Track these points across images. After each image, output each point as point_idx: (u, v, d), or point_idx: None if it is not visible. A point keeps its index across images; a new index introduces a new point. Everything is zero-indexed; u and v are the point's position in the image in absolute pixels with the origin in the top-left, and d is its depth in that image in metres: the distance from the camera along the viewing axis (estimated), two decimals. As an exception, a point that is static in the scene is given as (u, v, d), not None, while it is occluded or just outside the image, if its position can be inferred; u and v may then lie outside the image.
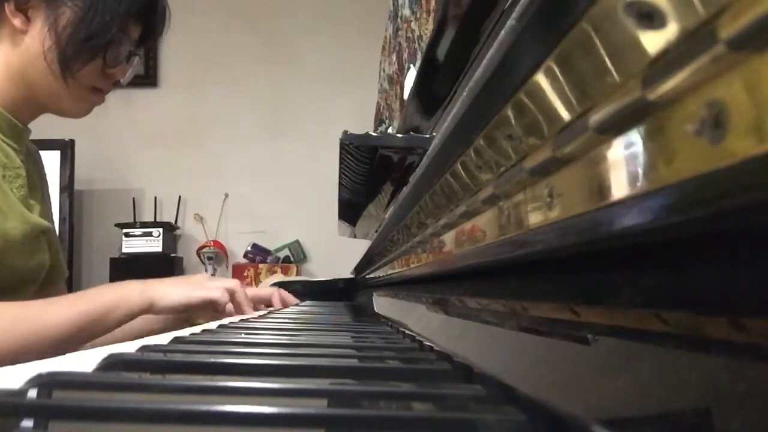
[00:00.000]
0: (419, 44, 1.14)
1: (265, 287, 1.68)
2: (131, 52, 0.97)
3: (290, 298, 1.21)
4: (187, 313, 0.96)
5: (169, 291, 0.90)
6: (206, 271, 2.99)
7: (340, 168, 0.97)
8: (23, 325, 0.76)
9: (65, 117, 0.97)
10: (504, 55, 0.27)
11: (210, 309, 0.94)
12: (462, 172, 0.39)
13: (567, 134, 0.22)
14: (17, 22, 0.88)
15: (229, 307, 0.94)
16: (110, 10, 0.89)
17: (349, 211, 1.36)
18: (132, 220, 3.02)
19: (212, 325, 0.68)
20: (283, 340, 0.52)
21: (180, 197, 3.12)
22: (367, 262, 1.40)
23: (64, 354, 0.39)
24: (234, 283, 0.97)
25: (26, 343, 0.75)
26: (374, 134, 0.85)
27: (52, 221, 1.02)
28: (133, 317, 0.87)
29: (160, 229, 2.94)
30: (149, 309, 0.88)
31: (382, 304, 1.08)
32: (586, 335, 0.24)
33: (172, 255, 3.00)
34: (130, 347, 0.41)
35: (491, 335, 0.38)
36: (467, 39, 0.58)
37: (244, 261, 3.08)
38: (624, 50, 0.18)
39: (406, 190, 0.66)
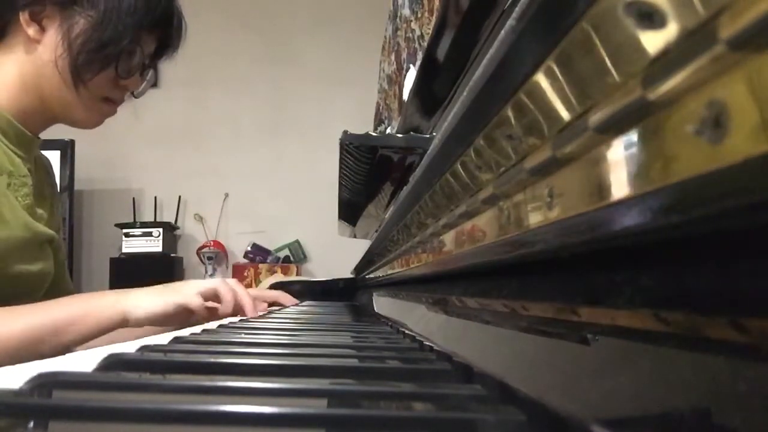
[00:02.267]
0: (420, 44, 1.14)
1: (265, 287, 1.69)
2: (145, 65, 0.97)
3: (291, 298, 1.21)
4: (166, 323, 0.88)
5: (144, 300, 0.84)
6: (206, 271, 2.99)
7: (340, 168, 0.97)
8: None
9: (76, 127, 0.97)
10: (504, 55, 0.27)
11: (186, 316, 0.87)
12: (462, 172, 0.39)
13: (567, 134, 0.22)
14: (31, 31, 0.88)
15: (205, 313, 0.87)
16: (123, 21, 0.89)
17: (349, 211, 1.36)
18: (132, 220, 3.03)
19: (212, 325, 0.68)
20: (283, 340, 0.52)
21: (180, 197, 3.12)
22: (367, 262, 1.40)
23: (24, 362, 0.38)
24: (216, 284, 0.91)
25: None
26: (374, 134, 0.85)
27: (60, 233, 1.01)
28: (105, 331, 0.82)
29: (160, 229, 2.94)
30: (124, 322, 0.83)
31: (382, 304, 1.08)
32: (586, 335, 0.24)
33: (172, 255, 3.00)
34: (130, 347, 0.40)
35: (491, 335, 0.38)
36: (467, 39, 0.58)
37: (244, 261, 3.08)
38: (624, 50, 0.18)
39: (406, 190, 0.66)
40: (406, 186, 0.68)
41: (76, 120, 0.95)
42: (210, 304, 0.90)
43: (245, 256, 3.09)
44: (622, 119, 0.18)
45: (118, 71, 0.92)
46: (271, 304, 1.12)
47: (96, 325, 0.81)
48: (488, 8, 0.51)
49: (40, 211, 0.94)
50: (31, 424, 0.22)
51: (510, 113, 0.28)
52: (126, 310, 0.83)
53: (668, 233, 0.19)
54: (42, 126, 0.97)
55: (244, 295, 0.92)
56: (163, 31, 0.96)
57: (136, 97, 1.00)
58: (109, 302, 0.83)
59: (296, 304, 1.25)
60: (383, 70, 1.68)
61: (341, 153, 0.88)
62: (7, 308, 0.80)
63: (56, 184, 1.10)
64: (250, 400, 0.24)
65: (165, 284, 0.92)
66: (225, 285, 0.92)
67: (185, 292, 0.87)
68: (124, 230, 2.92)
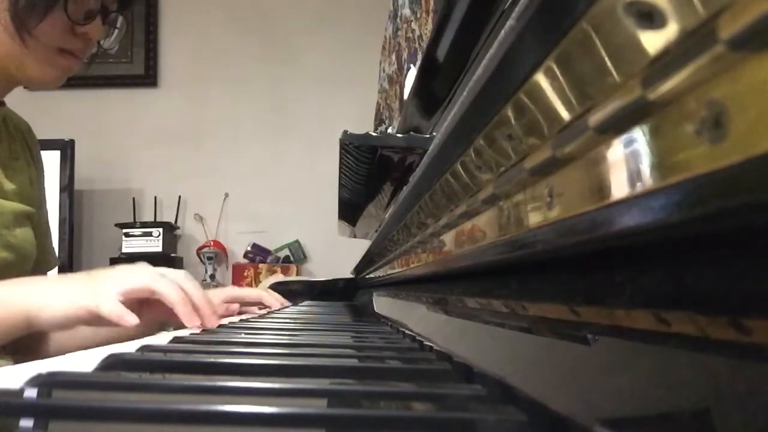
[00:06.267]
0: (419, 44, 1.14)
1: (265, 287, 1.66)
2: (107, 10, 0.86)
3: (279, 298, 1.13)
4: (70, 328, 0.67)
5: (53, 299, 0.63)
6: (206, 271, 2.99)
7: (340, 168, 0.97)
8: None
9: (35, 85, 0.86)
10: (504, 55, 0.27)
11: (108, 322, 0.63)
12: (462, 172, 0.39)
13: (567, 134, 0.22)
14: None
15: (125, 322, 0.61)
16: None
17: (349, 211, 1.36)
18: (132, 220, 3.02)
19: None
20: (283, 340, 0.52)
21: (180, 197, 3.12)
22: (367, 262, 1.40)
23: None
24: (148, 281, 0.65)
25: None
26: (374, 134, 0.85)
27: (44, 207, 0.94)
28: (10, 338, 0.65)
29: (160, 229, 2.94)
30: (28, 326, 0.64)
31: (382, 304, 1.08)
32: (586, 335, 0.24)
33: (172, 255, 3.00)
34: (130, 347, 0.41)
35: (491, 335, 0.38)
36: (467, 39, 0.58)
37: (244, 261, 3.08)
38: (624, 50, 0.18)
39: (406, 190, 0.66)
40: (406, 186, 0.68)
41: (31, 76, 0.83)
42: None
43: (245, 256, 3.08)
44: (622, 119, 0.18)
45: (69, 15, 0.80)
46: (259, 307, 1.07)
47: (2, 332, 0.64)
48: (488, 8, 0.51)
49: (10, 185, 0.85)
50: (31, 424, 0.22)
51: (510, 113, 0.28)
52: (29, 312, 0.63)
53: (668, 233, 0.19)
54: (3, 90, 0.88)
55: (199, 297, 0.66)
56: None
57: (106, 49, 0.89)
58: (17, 298, 0.64)
59: (285, 306, 1.16)
60: (383, 70, 1.68)
61: (341, 153, 0.88)
62: None
63: (38, 150, 0.97)
64: (250, 400, 0.24)
65: (90, 274, 0.70)
66: (167, 282, 0.65)
67: (100, 293, 0.64)
68: (124, 230, 2.92)
